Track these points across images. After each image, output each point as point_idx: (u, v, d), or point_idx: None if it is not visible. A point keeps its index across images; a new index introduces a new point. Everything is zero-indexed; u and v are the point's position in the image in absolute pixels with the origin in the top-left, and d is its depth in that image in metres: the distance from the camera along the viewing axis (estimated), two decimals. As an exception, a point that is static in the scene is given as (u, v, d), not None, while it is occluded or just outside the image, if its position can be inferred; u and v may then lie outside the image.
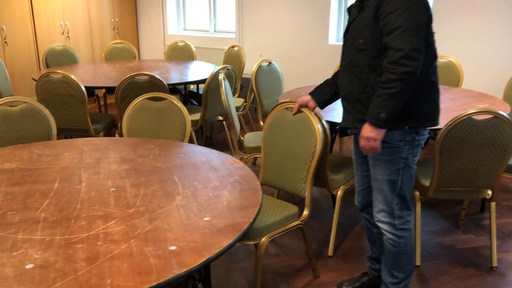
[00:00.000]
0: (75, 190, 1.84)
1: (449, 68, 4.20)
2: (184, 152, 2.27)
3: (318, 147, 2.29)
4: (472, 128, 2.40)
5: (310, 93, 2.42)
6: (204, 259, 1.37)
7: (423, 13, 1.92)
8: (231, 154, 4.35)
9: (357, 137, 2.20)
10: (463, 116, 2.38)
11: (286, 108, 2.50)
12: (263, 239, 2.16)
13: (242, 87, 5.32)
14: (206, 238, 1.48)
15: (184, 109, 2.72)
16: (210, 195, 1.79)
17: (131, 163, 2.13)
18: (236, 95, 4.97)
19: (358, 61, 2.05)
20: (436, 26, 4.77)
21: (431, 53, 2.01)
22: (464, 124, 2.39)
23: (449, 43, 4.71)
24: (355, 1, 2.12)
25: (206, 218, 1.61)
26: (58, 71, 3.59)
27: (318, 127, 2.31)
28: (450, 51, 4.59)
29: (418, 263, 2.71)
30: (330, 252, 2.82)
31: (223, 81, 3.25)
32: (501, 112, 2.39)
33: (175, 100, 2.75)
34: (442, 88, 3.77)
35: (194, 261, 1.35)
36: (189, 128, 2.69)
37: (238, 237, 1.50)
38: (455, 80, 4.13)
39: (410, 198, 2.16)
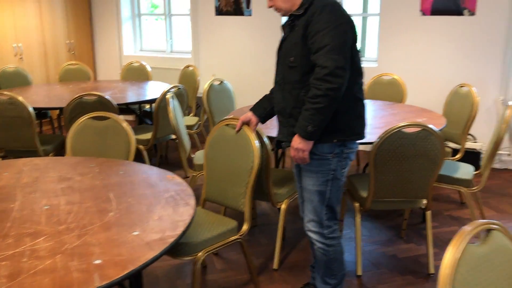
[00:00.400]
0: (8, 209, 1.85)
1: (393, 85, 4.38)
2: (124, 170, 2.30)
3: (256, 163, 2.36)
4: (403, 140, 2.53)
5: (251, 109, 2.50)
6: (127, 272, 1.40)
7: (348, 32, 2.04)
8: (185, 172, 4.38)
9: None
10: (394, 129, 2.50)
11: (227, 125, 2.57)
12: (199, 254, 2.20)
13: (199, 106, 5.38)
14: (132, 251, 1.51)
15: (128, 127, 2.75)
16: (143, 211, 1.83)
17: (69, 181, 2.15)
18: (191, 114, 5.03)
19: (290, 77, 2.16)
20: (382, 46, 4.98)
21: (357, 71, 2.13)
22: (394, 137, 2.51)
23: (394, 62, 4.92)
24: (287, 20, 2.23)
25: (135, 233, 1.64)
26: (5, 93, 3.57)
27: (255, 143, 2.39)
28: (395, 69, 4.79)
29: (359, 273, 2.80)
30: (275, 265, 2.88)
31: (171, 100, 3.31)
32: (430, 126, 2.52)
33: (119, 119, 2.78)
34: (386, 104, 3.93)
35: (117, 274, 1.39)
36: (133, 147, 2.72)
37: (164, 250, 1.54)
38: (399, 97, 4.31)
39: (350, 209, 2.25)
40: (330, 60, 1.96)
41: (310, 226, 2.27)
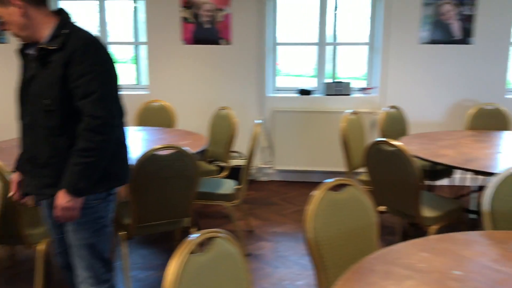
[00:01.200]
0: None
1: (163, 111, 4.50)
2: None
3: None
4: (159, 163, 2.58)
5: (16, 168, 2.11)
6: None
7: (114, 77, 1.92)
8: None
9: (48, 202, 2.01)
10: (148, 153, 2.54)
11: (-42, 165, 2.25)
12: None
13: None
14: None
15: None
16: None
17: None
18: None
19: (45, 122, 1.88)
20: (151, 73, 5.09)
21: (119, 112, 1.97)
22: (150, 160, 2.55)
23: (164, 88, 5.07)
24: (34, 51, 1.90)
25: None
26: None
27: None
28: (166, 95, 4.92)
29: (131, 302, 2.74)
30: (36, 313, 2.62)
31: None
32: (183, 147, 2.63)
33: None
34: (155, 130, 3.99)
35: None
36: None
37: None
38: (169, 122, 4.44)
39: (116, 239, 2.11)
40: (102, 109, 1.81)
41: (86, 286, 2.05)
